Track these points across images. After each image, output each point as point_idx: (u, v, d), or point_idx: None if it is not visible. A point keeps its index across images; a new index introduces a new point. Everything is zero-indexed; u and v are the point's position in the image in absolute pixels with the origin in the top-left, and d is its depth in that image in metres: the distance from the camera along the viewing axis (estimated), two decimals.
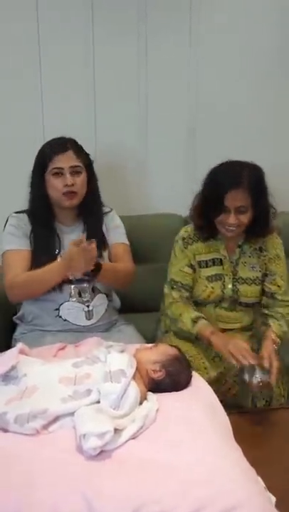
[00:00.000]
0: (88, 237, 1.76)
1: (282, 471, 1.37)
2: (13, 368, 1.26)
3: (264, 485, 1.11)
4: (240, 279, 1.78)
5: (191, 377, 1.38)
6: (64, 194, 1.72)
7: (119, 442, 1.06)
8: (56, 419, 1.13)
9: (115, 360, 1.26)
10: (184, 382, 1.35)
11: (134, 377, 1.24)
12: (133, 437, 1.10)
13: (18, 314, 1.89)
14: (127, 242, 1.92)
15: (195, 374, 1.42)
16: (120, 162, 2.43)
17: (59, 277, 1.67)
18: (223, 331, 1.78)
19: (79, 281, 1.72)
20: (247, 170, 1.65)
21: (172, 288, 1.80)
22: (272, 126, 2.46)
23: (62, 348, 1.56)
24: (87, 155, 1.80)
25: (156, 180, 2.47)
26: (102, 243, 1.82)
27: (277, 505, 1.05)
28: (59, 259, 1.70)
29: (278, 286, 1.79)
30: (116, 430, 1.06)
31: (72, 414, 1.13)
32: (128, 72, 2.32)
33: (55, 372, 1.25)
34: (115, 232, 1.90)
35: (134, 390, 1.19)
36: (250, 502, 0.95)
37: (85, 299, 1.75)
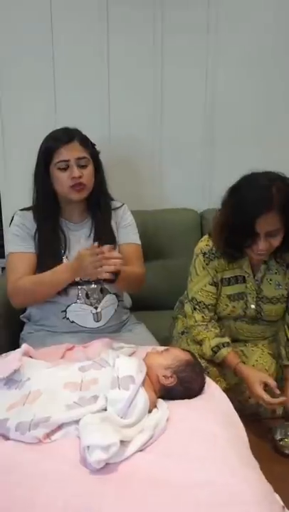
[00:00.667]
0: (97, 234, 1.70)
1: None
2: (16, 371, 1.19)
3: (282, 503, 1.03)
4: (264, 298, 1.66)
5: (204, 384, 1.30)
6: (71, 187, 1.61)
7: (125, 455, 0.99)
8: (60, 427, 1.06)
9: (124, 365, 1.18)
10: (197, 389, 1.27)
11: (143, 384, 1.17)
12: (141, 449, 1.03)
13: (25, 313, 1.82)
14: (139, 242, 1.80)
15: (209, 380, 1.34)
16: (134, 155, 2.35)
17: (65, 282, 1.59)
18: (246, 341, 1.72)
19: (87, 282, 1.64)
20: (275, 187, 1.45)
21: (194, 309, 1.68)
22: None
23: (71, 349, 1.50)
24: (94, 145, 1.69)
25: (171, 174, 2.39)
26: (112, 240, 1.71)
27: None
28: (65, 260, 1.62)
29: None
30: (122, 442, 0.99)
31: (77, 422, 1.06)
32: (143, 63, 2.23)
33: (60, 376, 1.18)
34: (126, 230, 1.78)
35: (143, 397, 1.12)
36: None
37: (93, 301, 1.66)
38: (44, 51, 2.17)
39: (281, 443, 1.39)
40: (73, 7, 2.14)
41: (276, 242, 1.51)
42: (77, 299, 1.65)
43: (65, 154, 1.59)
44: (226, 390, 1.51)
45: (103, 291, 1.69)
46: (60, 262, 1.62)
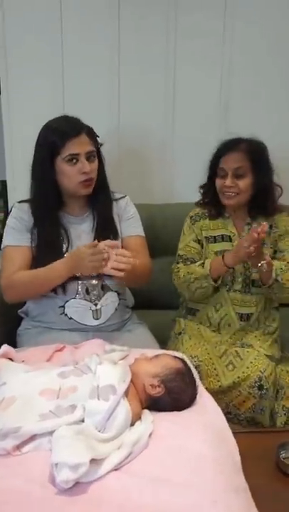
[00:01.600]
0: (98, 228, 1.65)
1: None
2: None
3: None
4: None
5: (195, 395, 1.19)
6: (81, 182, 1.54)
7: (98, 474, 0.91)
8: (32, 438, 0.99)
9: (105, 374, 1.09)
10: (187, 401, 1.17)
11: (127, 393, 1.08)
12: (116, 468, 0.94)
13: (23, 308, 1.76)
14: (143, 234, 1.74)
15: (201, 390, 1.24)
16: (144, 147, 2.25)
17: (62, 279, 1.53)
18: (241, 316, 1.74)
19: (87, 277, 1.57)
20: (247, 140, 1.68)
21: (178, 262, 1.79)
22: None
23: (60, 350, 1.42)
24: (97, 137, 1.62)
25: (182, 168, 2.28)
26: (114, 233, 1.66)
27: None
28: (67, 255, 1.55)
29: (288, 262, 1.70)
30: (96, 460, 0.91)
31: (51, 433, 0.98)
32: (156, 52, 2.13)
33: (37, 382, 1.10)
34: (129, 222, 1.71)
35: (125, 409, 1.02)
36: None
37: (92, 297, 1.60)
38: (53, 40, 2.09)
39: (286, 462, 1.28)
40: None
41: (242, 183, 1.64)
42: (77, 294, 1.59)
43: (75, 148, 1.52)
44: (219, 392, 1.50)
45: (104, 288, 1.62)
46: (61, 253, 1.56)
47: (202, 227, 1.78)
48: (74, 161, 1.52)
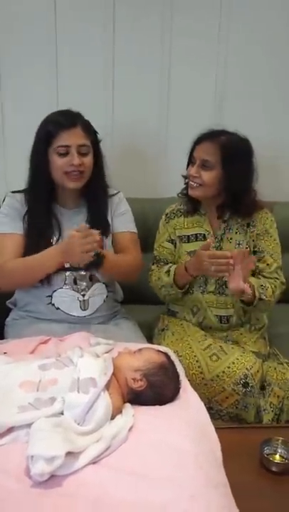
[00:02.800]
0: (91, 222, 1.61)
1: (282, 504, 1.18)
2: None
3: None
4: None
5: (178, 390, 1.18)
6: (67, 173, 1.54)
7: (75, 467, 0.89)
8: (9, 430, 0.97)
9: (86, 366, 1.07)
10: (170, 396, 1.15)
11: (109, 386, 1.07)
12: (94, 461, 0.92)
13: (12, 299, 1.75)
14: (135, 230, 1.74)
15: (185, 384, 1.22)
16: (138, 144, 2.24)
17: (55, 265, 1.52)
18: (221, 319, 1.71)
19: (76, 267, 1.56)
20: (228, 133, 1.62)
21: (153, 263, 1.79)
22: None
23: (45, 342, 1.40)
24: (96, 133, 1.61)
25: (175, 164, 2.24)
26: (106, 230, 1.65)
27: None
28: (59, 243, 1.55)
29: (267, 264, 1.67)
30: (72, 453, 0.89)
31: (29, 425, 0.96)
32: (150, 47, 2.11)
33: (18, 374, 1.08)
34: (122, 218, 1.71)
35: (105, 402, 1.01)
36: None
37: (80, 288, 1.59)
38: (48, 37, 2.07)
39: (270, 458, 1.27)
40: None
41: (206, 176, 1.59)
42: (64, 284, 1.58)
43: (67, 139, 1.51)
44: (202, 386, 1.48)
45: (92, 279, 1.62)
46: (51, 244, 1.56)
47: (176, 226, 1.75)
48: (65, 152, 1.51)
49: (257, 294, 1.57)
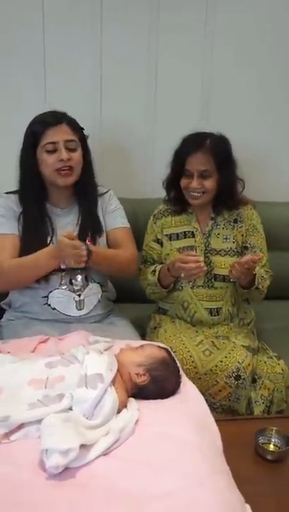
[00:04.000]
0: (82, 221, 1.66)
1: (276, 490, 1.24)
2: None
3: None
4: (212, 250, 1.75)
5: (179, 383, 1.23)
6: (58, 170, 1.56)
7: (87, 459, 0.94)
8: (20, 426, 1.00)
9: (93, 363, 1.11)
10: (171, 389, 1.20)
11: (114, 381, 1.11)
12: (104, 453, 0.96)
13: (6, 300, 1.77)
14: (128, 225, 1.77)
15: (184, 379, 1.27)
16: (126, 141, 2.26)
17: (50, 266, 1.54)
18: (211, 312, 1.75)
19: (71, 268, 1.58)
20: (211, 137, 1.67)
21: (141, 263, 1.82)
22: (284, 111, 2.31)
23: (44, 341, 1.43)
24: (82, 129, 1.63)
25: (163, 163, 2.29)
26: (98, 228, 1.68)
27: None
28: (50, 244, 1.57)
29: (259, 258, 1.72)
30: (85, 445, 0.93)
31: (39, 421, 1.00)
32: (137, 49, 2.14)
33: (25, 372, 1.11)
34: (113, 215, 1.74)
35: (112, 397, 1.05)
36: None
37: (76, 288, 1.61)
38: (35, 37, 2.07)
39: (264, 447, 1.33)
40: None
41: (208, 184, 1.66)
42: (60, 284, 1.61)
43: (54, 136, 1.54)
44: (196, 380, 1.51)
45: (88, 279, 1.65)
46: (45, 243, 1.58)
47: (163, 226, 1.80)
48: (53, 149, 1.54)
49: (256, 282, 1.64)
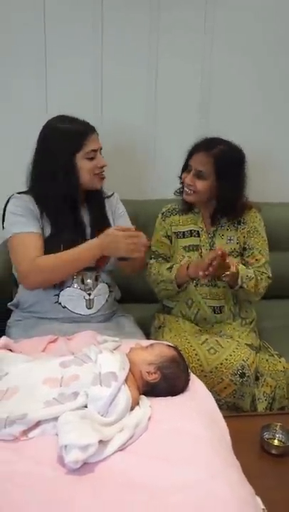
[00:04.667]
0: (94, 221, 1.71)
1: (282, 484, 1.28)
2: None
3: (262, 506, 1.01)
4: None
5: (188, 381, 1.26)
6: (97, 175, 1.65)
7: (104, 454, 0.97)
8: (37, 424, 1.03)
9: (106, 362, 1.14)
10: (181, 387, 1.24)
11: (126, 380, 1.14)
12: (120, 449, 1.00)
13: (14, 301, 1.79)
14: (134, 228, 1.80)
15: (193, 377, 1.31)
16: (127, 143, 2.31)
17: (92, 259, 1.60)
18: (214, 310, 1.81)
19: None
20: (224, 144, 1.72)
21: (151, 258, 1.87)
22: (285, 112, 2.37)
23: (54, 341, 1.46)
24: None
25: (163, 164, 2.34)
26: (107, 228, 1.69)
27: None
28: (100, 236, 1.58)
29: (256, 259, 1.80)
30: (101, 441, 0.96)
31: (55, 419, 1.03)
32: (138, 49, 2.18)
33: (40, 371, 1.14)
34: (122, 220, 1.81)
35: (125, 395, 1.08)
36: None
37: (87, 287, 1.66)
38: (36, 38, 2.11)
39: (269, 442, 1.38)
40: None
41: (200, 184, 1.71)
42: (73, 283, 1.65)
43: (95, 144, 1.64)
44: (202, 377, 1.51)
45: (97, 279, 1.69)
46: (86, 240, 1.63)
47: (172, 223, 1.85)
48: (93, 156, 1.63)
49: (239, 281, 1.68)
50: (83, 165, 1.62)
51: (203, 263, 1.60)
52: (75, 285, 1.65)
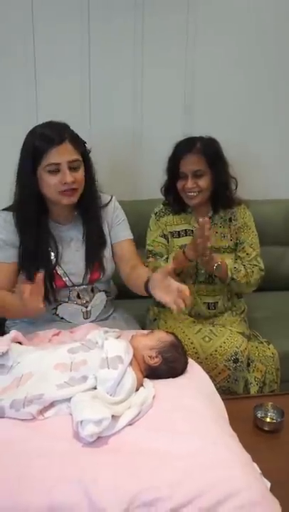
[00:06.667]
0: (88, 236, 1.64)
1: (274, 456, 1.39)
2: (4, 354, 1.23)
3: (259, 471, 1.12)
4: (212, 247, 1.81)
5: (187, 363, 1.37)
6: (61, 192, 1.50)
7: (116, 428, 1.06)
8: (52, 404, 1.12)
9: (112, 347, 1.24)
10: (181, 369, 1.34)
11: (130, 364, 1.23)
12: (130, 424, 1.09)
13: None
14: (132, 236, 1.76)
15: (191, 361, 1.41)
16: (114, 144, 2.38)
17: (17, 316, 1.56)
18: (209, 306, 1.90)
19: (77, 284, 1.64)
20: (200, 140, 1.81)
21: (148, 257, 1.89)
22: (271, 112, 2.47)
23: (57, 334, 1.54)
24: (84, 143, 1.57)
25: (149, 166, 2.41)
26: (103, 242, 1.68)
27: (272, 490, 1.06)
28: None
29: (247, 253, 1.89)
30: (113, 417, 1.06)
31: (68, 400, 1.12)
32: (123, 51, 2.27)
33: (50, 358, 1.23)
34: (120, 227, 1.73)
35: (131, 376, 1.18)
36: (248, 488, 0.95)
37: (84, 301, 1.67)
38: (25, 44, 2.18)
39: (262, 419, 1.48)
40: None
41: (202, 182, 1.79)
42: (69, 299, 1.64)
43: (57, 157, 1.46)
44: (198, 364, 1.57)
45: (94, 291, 1.69)
46: (50, 267, 1.57)
47: (166, 223, 1.92)
48: (55, 170, 1.47)
49: (229, 273, 1.79)
50: (45, 179, 1.49)
51: (195, 238, 1.66)
52: (72, 300, 1.63)
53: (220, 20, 2.30)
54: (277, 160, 2.53)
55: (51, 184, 1.49)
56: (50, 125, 1.53)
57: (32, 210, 1.55)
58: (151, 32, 2.25)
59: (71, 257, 1.63)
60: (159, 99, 2.35)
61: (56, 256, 1.60)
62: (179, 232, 1.91)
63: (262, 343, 1.88)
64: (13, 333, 1.35)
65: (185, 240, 1.89)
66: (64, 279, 1.62)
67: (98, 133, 2.31)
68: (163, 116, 2.37)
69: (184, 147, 1.80)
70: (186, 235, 1.90)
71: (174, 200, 1.90)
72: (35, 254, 1.56)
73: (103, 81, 2.29)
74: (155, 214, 1.95)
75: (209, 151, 1.79)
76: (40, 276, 1.37)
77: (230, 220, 1.91)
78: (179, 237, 1.91)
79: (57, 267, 1.61)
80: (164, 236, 1.92)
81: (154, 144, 2.38)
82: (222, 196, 1.86)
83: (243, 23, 2.33)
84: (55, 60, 2.23)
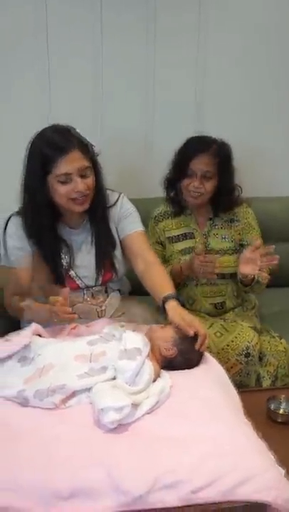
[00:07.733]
0: (96, 240, 1.64)
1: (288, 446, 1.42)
2: (26, 346, 1.28)
3: (274, 458, 1.15)
4: (212, 250, 1.86)
5: (202, 355, 1.40)
6: (73, 200, 1.50)
7: (136, 416, 1.10)
8: (73, 394, 1.17)
9: (131, 339, 1.28)
10: (196, 360, 1.38)
11: (147, 356, 1.27)
12: (149, 412, 1.13)
13: None
14: (143, 228, 1.72)
15: (206, 354, 1.45)
16: (124, 143, 2.41)
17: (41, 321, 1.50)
18: (216, 306, 1.91)
19: (90, 285, 1.65)
20: (216, 142, 1.80)
21: None
22: (277, 109, 2.50)
23: (74, 328, 1.58)
24: (92, 147, 1.54)
25: (163, 164, 2.43)
26: (112, 243, 1.68)
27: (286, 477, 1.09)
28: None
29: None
30: (132, 405, 1.10)
31: (88, 390, 1.17)
32: (135, 50, 2.30)
33: (70, 350, 1.27)
34: (129, 220, 1.69)
35: (149, 367, 1.22)
36: (264, 474, 0.98)
37: (98, 301, 1.68)
38: (38, 45, 2.21)
39: (275, 411, 1.52)
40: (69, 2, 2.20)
41: (208, 185, 1.78)
42: (84, 300, 1.66)
43: (67, 167, 1.44)
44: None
45: (108, 291, 1.71)
46: (61, 272, 1.59)
47: (164, 228, 1.91)
48: (66, 179, 1.46)
49: (255, 277, 1.79)
50: (56, 188, 1.48)
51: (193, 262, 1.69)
52: (87, 301, 1.65)
53: (231, 18, 2.32)
54: (283, 157, 2.55)
55: (63, 193, 1.49)
56: (58, 130, 1.50)
57: (44, 217, 1.55)
58: (163, 32, 2.28)
59: (83, 260, 1.64)
60: (170, 98, 2.38)
61: (69, 260, 1.61)
62: (178, 236, 1.91)
63: (274, 337, 1.90)
64: (33, 325, 1.39)
65: (185, 244, 1.89)
66: (77, 281, 1.64)
67: (110, 132, 2.35)
68: (174, 116, 2.39)
69: (199, 146, 1.79)
70: (185, 239, 1.91)
71: (174, 196, 1.89)
72: (47, 259, 1.57)
73: (115, 81, 2.32)
74: (153, 219, 1.94)
75: (223, 156, 1.79)
76: (65, 290, 1.42)
77: (231, 220, 1.91)
78: (179, 241, 1.91)
79: (70, 271, 1.62)
80: (160, 243, 1.93)
81: (166, 143, 2.38)
82: (224, 201, 1.86)
83: (255, 22, 2.34)
84: (68, 61, 2.26)
